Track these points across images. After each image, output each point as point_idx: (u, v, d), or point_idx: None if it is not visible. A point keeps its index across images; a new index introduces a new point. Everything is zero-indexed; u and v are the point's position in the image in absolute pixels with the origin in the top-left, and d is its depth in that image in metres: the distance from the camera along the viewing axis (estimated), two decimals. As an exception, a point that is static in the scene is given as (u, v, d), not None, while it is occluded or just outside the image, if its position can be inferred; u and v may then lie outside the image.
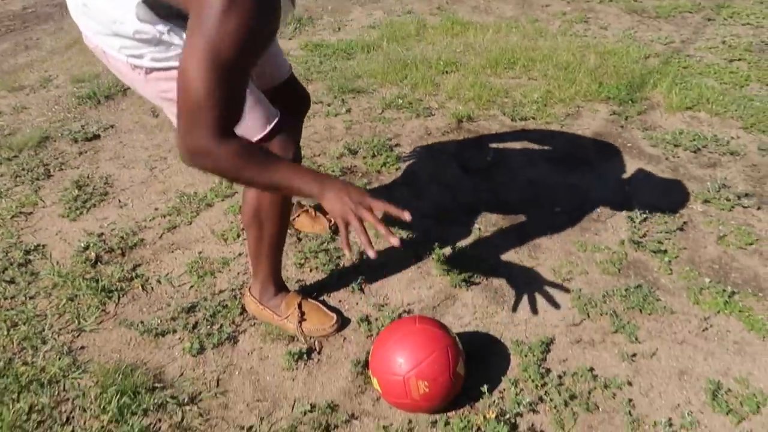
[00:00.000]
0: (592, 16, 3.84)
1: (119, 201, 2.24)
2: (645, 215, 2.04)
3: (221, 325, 1.67)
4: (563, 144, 2.50)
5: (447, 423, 1.38)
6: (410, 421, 1.39)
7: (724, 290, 1.73)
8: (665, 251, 1.89)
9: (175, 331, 1.66)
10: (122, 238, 2.03)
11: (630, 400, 1.44)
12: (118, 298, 1.79)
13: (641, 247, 1.91)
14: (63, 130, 2.71)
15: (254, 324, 1.68)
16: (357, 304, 1.75)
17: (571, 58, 3.13)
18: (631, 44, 3.36)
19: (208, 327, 1.67)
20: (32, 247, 2.00)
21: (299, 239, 1.98)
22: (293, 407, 1.45)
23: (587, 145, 2.49)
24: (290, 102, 1.54)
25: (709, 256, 1.90)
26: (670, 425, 1.37)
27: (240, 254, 1.94)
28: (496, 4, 4.13)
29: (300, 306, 1.63)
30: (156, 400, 1.45)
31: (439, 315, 1.69)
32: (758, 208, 2.11)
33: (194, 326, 1.68)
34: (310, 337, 1.62)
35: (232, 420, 1.42)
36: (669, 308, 1.69)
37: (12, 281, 1.86)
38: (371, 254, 1.06)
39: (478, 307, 1.71)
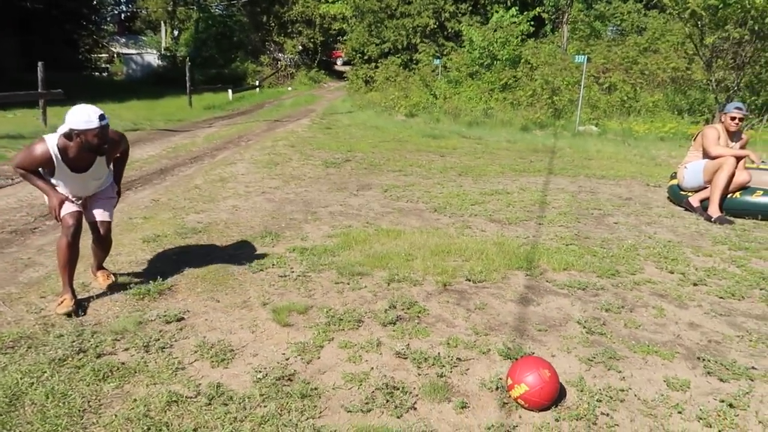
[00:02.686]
0: (471, 225, 5.65)
1: (251, 354, 3.01)
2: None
3: None
4: (522, 288, 3.94)
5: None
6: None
7: None
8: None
9: None
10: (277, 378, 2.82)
11: None
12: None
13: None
14: (149, 314, 3.38)
15: None
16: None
17: (481, 246, 4.75)
18: (508, 238, 5.14)
19: None
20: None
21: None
22: None
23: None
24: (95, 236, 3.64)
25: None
26: None
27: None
28: (404, 219, 5.77)
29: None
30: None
31: None
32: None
33: None
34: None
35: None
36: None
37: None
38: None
39: None
